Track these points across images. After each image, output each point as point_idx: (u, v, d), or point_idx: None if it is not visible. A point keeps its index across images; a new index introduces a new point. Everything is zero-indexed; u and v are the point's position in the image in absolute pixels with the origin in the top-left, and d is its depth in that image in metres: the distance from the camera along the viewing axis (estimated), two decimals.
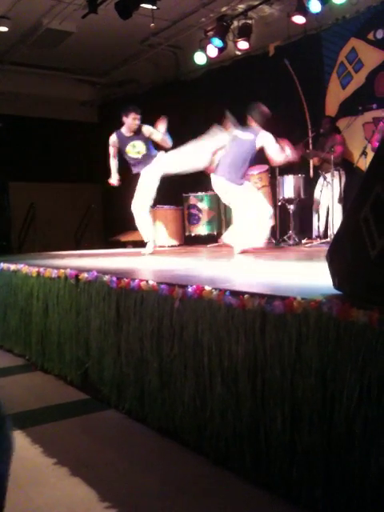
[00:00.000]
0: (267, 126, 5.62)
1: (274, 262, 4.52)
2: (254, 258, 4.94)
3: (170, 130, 6.73)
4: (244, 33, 7.89)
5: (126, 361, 2.95)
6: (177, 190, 7.70)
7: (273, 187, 7.43)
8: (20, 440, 2.68)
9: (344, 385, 1.76)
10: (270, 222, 5.79)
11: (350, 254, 1.87)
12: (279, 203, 7.12)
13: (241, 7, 7.83)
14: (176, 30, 8.63)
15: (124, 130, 6.22)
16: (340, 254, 1.97)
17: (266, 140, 5.49)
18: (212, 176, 5.78)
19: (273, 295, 2.09)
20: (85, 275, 3.36)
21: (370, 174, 1.88)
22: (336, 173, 6.69)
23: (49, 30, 8.36)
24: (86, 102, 11.76)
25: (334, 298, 1.85)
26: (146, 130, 6.16)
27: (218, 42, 7.99)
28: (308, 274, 3.32)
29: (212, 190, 7.93)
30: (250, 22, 7.89)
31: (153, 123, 6.94)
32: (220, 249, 6.99)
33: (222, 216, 7.91)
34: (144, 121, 9.37)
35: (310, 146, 7.20)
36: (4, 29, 8.16)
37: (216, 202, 7.97)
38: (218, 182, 5.72)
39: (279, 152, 5.48)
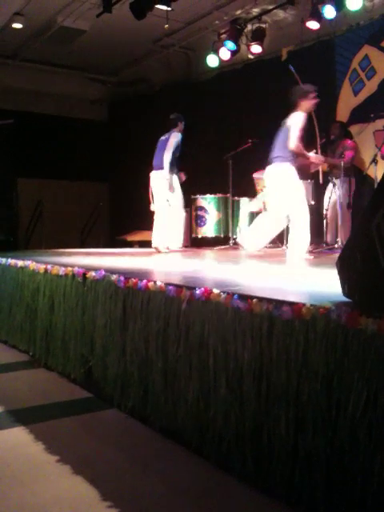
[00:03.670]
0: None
1: (281, 266, 4.51)
2: (262, 262, 4.93)
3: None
4: (257, 36, 7.91)
5: (131, 360, 2.95)
6: (184, 192, 7.69)
7: None
8: (22, 436, 2.69)
9: (350, 391, 1.76)
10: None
11: (360, 261, 1.87)
12: None
13: (255, 11, 7.85)
14: (189, 32, 8.65)
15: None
16: (350, 262, 1.97)
17: (292, 120, 5.31)
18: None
19: (281, 300, 2.08)
20: (92, 274, 3.36)
21: None
22: (346, 178, 6.68)
23: (62, 28, 8.39)
24: (96, 101, 11.80)
25: (343, 306, 1.84)
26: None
27: (231, 44, 8.02)
28: (316, 281, 3.32)
29: (220, 192, 8.01)
30: (263, 25, 7.92)
31: (164, 123, 6.99)
32: (227, 251, 7.00)
33: (229, 218, 7.92)
34: (154, 121, 9.46)
35: (319, 151, 7.18)
36: (18, 25, 8.19)
37: (223, 204, 7.98)
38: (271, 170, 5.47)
39: (294, 139, 5.21)
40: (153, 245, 6.78)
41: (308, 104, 5.38)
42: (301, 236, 5.23)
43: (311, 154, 5.60)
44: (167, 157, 6.60)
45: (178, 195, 6.84)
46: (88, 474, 2.24)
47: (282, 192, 5.39)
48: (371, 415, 1.70)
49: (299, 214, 5.27)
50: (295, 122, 5.25)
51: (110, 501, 2.03)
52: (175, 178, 6.79)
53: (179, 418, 2.55)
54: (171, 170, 6.67)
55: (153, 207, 6.87)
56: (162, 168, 6.64)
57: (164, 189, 6.70)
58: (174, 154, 6.63)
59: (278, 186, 5.43)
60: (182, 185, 6.96)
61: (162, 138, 6.84)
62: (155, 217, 6.90)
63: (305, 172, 6.30)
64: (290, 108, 5.39)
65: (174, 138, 6.64)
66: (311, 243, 6.97)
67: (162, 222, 6.79)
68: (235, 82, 8.98)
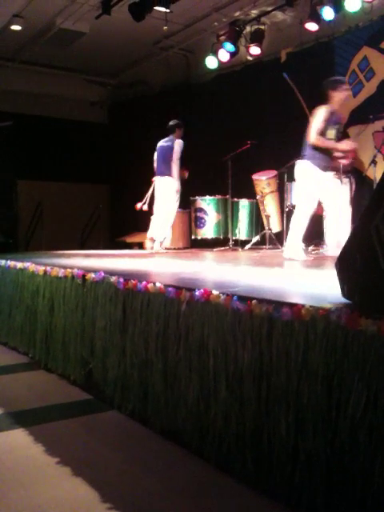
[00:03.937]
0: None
1: (281, 268, 4.51)
2: (262, 263, 4.94)
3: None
4: (256, 38, 7.91)
5: (131, 362, 2.95)
6: (183, 193, 7.72)
7: (281, 193, 7.43)
8: (22, 438, 2.68)
9: (350, 393, 1.76)
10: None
11: (360, 262, 1.87)
12: (287, 209, 7.12)
13: (254, 13, 7.85)
14: (188, 34, 8.66)
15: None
16: (349, 263, 1.97)
17: (313, 115, 5.14)
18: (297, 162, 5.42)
19: (281, 302, 2.08)
20: (92, 275, 3.36)
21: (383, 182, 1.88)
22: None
23: (61, 30, 8.39)
24: (96, 103, 11.80)
25: (343, 307, 1.84)
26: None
27: (229, 46, 8.03)
28: (316, 282, 3.32)
29: (219, 193, 8.02)
30: (262, 27, 7.92)
31: (163, 124, 7.02)
32: (226, 253, 7.00)
33: (228, 220, 7.92)
34: (153, 122, 9.48)
35: None
36: (17, 27, 8.20)
37: (223, 205, 7.99)
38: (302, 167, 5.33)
39: (313, 133, 5.05)
40: (148, 235, 7.04)
41: (340, 95, 5.22)
42: (292, 234, 5.29)
43: (341, 143, 5.32)
44: (175, 167, 6.80)
45: (177, 202, 7.09)
46: (88, 476, 2.24)
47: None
48: (371, 416, 1.70)
49: (296, 214, 5.31)
50: (315, 116, 5.12)
51: (110, 502, 2.03)
52: (179, 185, 6.98)
53: (179, 420, 2.55)
54: (178, 179, 6.89)
55: (140, 206, 7.12)
56: (167, 175, 6.83)
57: (169, 195, 6.89)
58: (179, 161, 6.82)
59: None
60: (184, 181, 7.11)
61: (164, 144, 6.89)
62: (154, 217, 7.06)
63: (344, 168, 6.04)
64: (321, 100, 5.23)
65: (179, 147, 6.80)
66: (311, 244, 6.99)
67: (160, 221, 6.99)
68: (234, 84, 8.98)
